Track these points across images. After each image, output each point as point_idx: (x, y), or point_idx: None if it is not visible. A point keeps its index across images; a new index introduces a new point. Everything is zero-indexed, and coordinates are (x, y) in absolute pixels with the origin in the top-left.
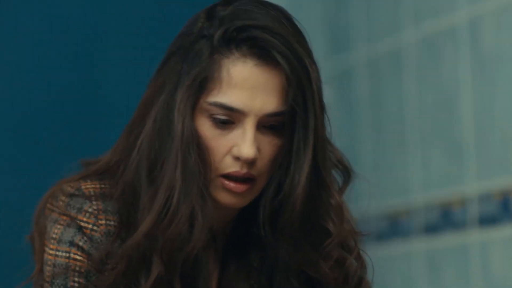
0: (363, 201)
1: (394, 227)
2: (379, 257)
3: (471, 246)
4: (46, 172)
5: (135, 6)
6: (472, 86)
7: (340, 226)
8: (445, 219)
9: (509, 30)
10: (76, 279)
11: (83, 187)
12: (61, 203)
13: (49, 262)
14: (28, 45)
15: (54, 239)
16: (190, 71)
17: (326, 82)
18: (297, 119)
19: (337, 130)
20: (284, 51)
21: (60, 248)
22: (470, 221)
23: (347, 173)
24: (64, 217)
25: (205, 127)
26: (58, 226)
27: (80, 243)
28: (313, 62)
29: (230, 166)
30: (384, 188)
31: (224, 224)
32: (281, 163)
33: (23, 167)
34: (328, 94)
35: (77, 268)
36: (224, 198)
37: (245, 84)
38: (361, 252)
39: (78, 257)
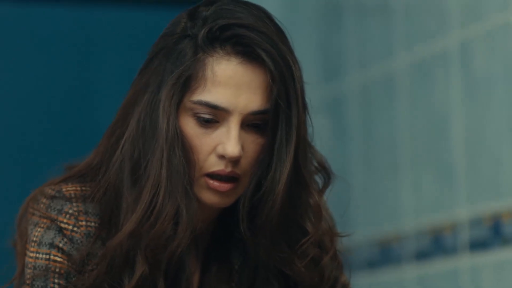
0: (355, 228)
1: (386, 254)
2: (371, 284)
3: (462, 271)
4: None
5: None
6: (464, 110)
7: (318, 226)
8: (436, 244)
9: (500, 54)
10: (56, 280)
11: (63, 189)
12: (42, 205)
13: (29, 265)
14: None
15: (35, 241)
16: (174, 70)
17: (319, 109)
18: (280, 117)
19: (329, 155)
20: (268, 48)
21: (40, 250)
22: (461, 246)
23: (327, 175)
24: (45, 220)
25: (189, 126)
26: (39, 229)
27: (60, 245)
28: (296, 61)
29: (215, 165)
30: (375, 214)
31: (206, 225)
32: (262, 160)
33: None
34: (321, 121)
35: (57, 270)
36: (209, 197)
37: (230, 82)
38: (337, 252)
39: (58, 259)
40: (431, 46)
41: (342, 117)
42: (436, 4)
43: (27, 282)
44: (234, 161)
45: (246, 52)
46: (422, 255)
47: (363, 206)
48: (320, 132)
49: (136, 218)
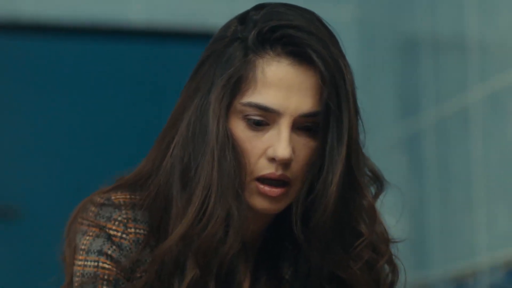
0: (432, 265)
1: None
2: None
3: None
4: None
5: None
6: None
7: (372, 228)
8: (510, 278)
9: None
10: (104, 287)
11: (113, 197)
12: (91, 213)
13: (77, 273)
14: None
15: (83, 250)
16: (224, 73)
17: (396, 146)
18: (331, 119)
19: (406, 191)
20: (319, 49)
21: (89, 258)
22: None
23: (380, 183)
24: (94, 229)
25: (240, 129)
26: (87, 237)
27: (109, 252)
28: (347, 64)
29: (265, 168)
30: (451, 250)
31: (256, 234)
32: (314, 163)
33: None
34: (399, 157)
35: (106, 277)
36: (259, 203)
37: (280, 84)
38: (393, 257)
39: (107, 266)
40: (504, 78)
41: (418, 153)
42: (510, 36)
43: None
44: (285, 165)
45: (297, 53)
46: None
47: (439, 243)
48: (398, 168)
49: (187, 221)
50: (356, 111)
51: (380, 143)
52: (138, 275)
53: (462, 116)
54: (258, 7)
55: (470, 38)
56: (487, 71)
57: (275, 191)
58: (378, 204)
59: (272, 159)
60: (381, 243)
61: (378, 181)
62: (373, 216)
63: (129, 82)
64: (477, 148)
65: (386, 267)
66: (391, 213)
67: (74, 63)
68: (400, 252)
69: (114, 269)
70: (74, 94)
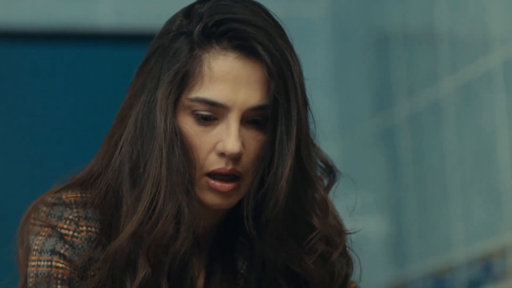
0: (411, 260)
1: (439, 286)
2: None
3: None
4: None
5: None
6: (510, 131)
7: (325, 221)
8: (487, 272)
9: None
10: (59, 286)
11: (64, 196)
12: (42, 213)
13: (31, 274)
14: None
15: (36, 250)
16: (170, 68)
17: (372, 140)
18: (279, 112)
19: (383, 186)
20: (265, 42)
21: (42, 258)
22: (510, 271)
23: (332, 173)
24: (46, 228)
25: (188, 125)
26: (40, 238)
27: (62, 251)
28: (294, 56)
29: (215, 163)
30: (429, 246)
31: (209, 230)
32: (264, 157)
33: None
34: (374, 152)
35: (60, 276)
36: (211, 199)
37: (227, 78)
38: (347, 249)
39: (60, 265)
40: (474, 69)
41: (393, 147)
42: (478, 27)
43: None
44: (235, 159)
45: (243, 46)
46: (474, 284)
47: (417, 238)
48: (374, 163)
49: (137, 219)
50: (305, 103)
51: (356, 139)
52: (92, 273)
53: (434, 108)
54: (203, 0)
55: (440, 30)
56: (458, 62)
57: (226, 186)
58: (331, 196)
59: (221, 154)
60: (334, 236)
61: (331, 172)
62: (325, 208)
63: (99, 86)
64: (451, 140)
65: (340, 258)
66: (369, 210)
67: (42, 69)
68: (379, 250)
69: (68, 268)
70: (45, 100)
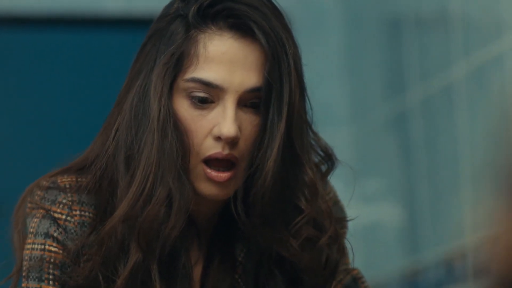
0: (422, 251)
1: (451, 272)
2: None
3: None
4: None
5: None
6: None
7: (313, 204)
8: None
9: None
10: (50, 271)
11: (59, 180)
12: (36, 197)
13: (26, 257)
14: None
15: (32, 233)
16: (166, 50)
17: (385, 125)
18: (273, 94)
19: (395, 172)
20: (260, 22)
21: (36, 241)
22: None
23: (331, 161)
24: (40, 210)
25: (184, 108)
26: (35, 220)
27: (55, 234)
28: (291, 38)
29: (211, 148)
30: (441, 233)
31: (209, 218)
32: (256, 139)
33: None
34: (387, 138)
35: (52, 260)
36: (207, 189)
37: (223, 58)
38: (339, 236)
39: (53, 249)
40: (487, 52)
41: (406, 132)
42: (491, 10)
43: (24, 274)
44: (232, 143)
45: (239, 25)
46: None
47: (429, 225)
48: (387, 149)
49: (127, 202)
50: (300, 86)
51: (368, 124)
52: (84, 258)
53: (447, 93)
54: None
55: (453, 14)
56: (470, 46)
57: (222, 176)
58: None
59: (218, 138)
60: (324, 220)
61: (330, 159)
62: (315, 192)
63: (106, 72)
64: (463, 125)
65: (330, 244)
66: (381, 196)
67: (49, 54)
68: (391, 236)
69: (61, 252)
70: (51, 87)
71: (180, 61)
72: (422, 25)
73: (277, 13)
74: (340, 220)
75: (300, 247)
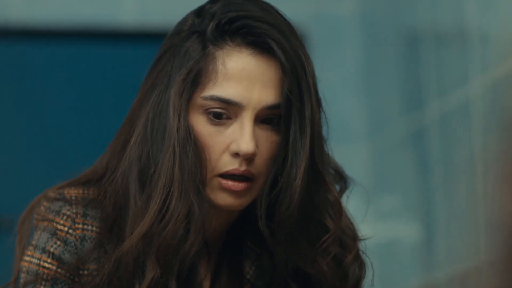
0: (438, 268)
1: None
2: None
3: None
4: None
5: None
6: None
7: (338, 222)
8: None
9: None
10: (42, 287)
11: (65, 192)
12: (42, 207)
13: (24, 269)
14: None
15: (32, 245)
16: (182, 67)
17: (403, 141)
18: (293, 111)
19: (412, 189)
20: (279, 39)
21: (35, 255)
22: None
23: (344, 181)
24: (44, 223)
25: (201, 124)
26: (38, 232)
27: (52, 249)
28: (307, 56)
29: (228, 164)
30: (456, 250)
31: (218, 234)
32: (278, 157)
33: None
34: (404, 154)
35: (45, 276)
36: (222, 198)
37: (242, 75)
38: (361, 253)
39: (47, 265)
40: (505, 68)
41: (423, 149)
42: (509, 26)
43: (20, 286)
44: (249, 160)
45: (257, 43)
46: None
47: (445, 242)
48: (404, 166)
49: (148, 220)
50: (319, 103)
51: (385, 140)
52: (85, 272)
53: (465, 109)
54: (214, 0)
55: (471, 29)
56: (488, 62)
57: (239, 185)
58: (343, 201)
59: (235, 155)
60: (348, 238)
61: (342, 179)
62: (339, 210)
63: (121, 85)
64: (481, 142)
65: (353, 262)
66: (398, 214)
67: (65, 67)
68: (408, 254)
69: (54, 268)
70: (66, 100)
71: (197, 78)
72: (440, 41)
73: (293, 31)
74: (362, 239)
75: (326, 265)
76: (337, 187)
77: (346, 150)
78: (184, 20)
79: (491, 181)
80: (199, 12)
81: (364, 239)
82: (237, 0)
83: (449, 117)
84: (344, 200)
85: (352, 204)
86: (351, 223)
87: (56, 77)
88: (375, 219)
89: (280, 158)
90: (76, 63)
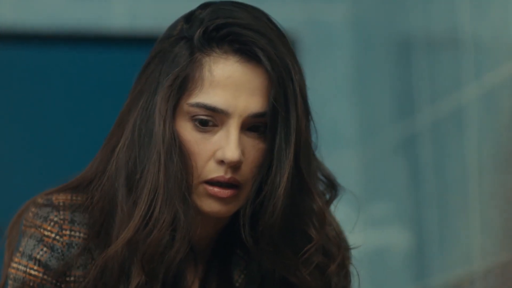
0: (431, 272)
1: None
2: None
3: None
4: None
5: None
6: None
7: (322, 232)
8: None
9: None
10: None
11: (53, 198)
12: (30, 213)
13: (11, 276)
14: None
15: (20, 252)
16: (170, 72)
17: (395, 148)
18: (279, 120)
19: (404, 195)
20: (266, 47)
21: (22, 262)
22: None
23: (334, 188)
24: (31, 229)
25: (187, 131)
26: (25, 239)
27: (38, 256)
28: (296, 63)
29: (214, 171)
30: (449, 258)
31: (206, 241)
32: (263, 165)
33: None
34: (396, 161)
35: (31, 284)
36: (209, 205)
37: (228, 83)
38: (346, 262)
39: (33, 272)
40: (499, 74)
41: (415, 156)
42: (503, 32)
43: None
44: (234, 167)
45: (244, 50)
46: None
47: (437, 250)
48: (395, 173)
49: (133, 226)
50: (306, 112)
51: (376, 147)
52: (72, 278)
53: (457, 116)
54: (204, 5)
55: (464, 35)
56: (481, 69)
57: (225, 192)
58: (332, 209)
59: (221, 162)
60: (332, 247)
61: (333, 186)
62: (323, 219)
63: (111, 90)
64: (473, 149)
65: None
66: (389, 221)
67: (55, 72)
68: (399, 262)
69: (40, 275)
70: (56, 104)
71: (184, 84)
72: (432, 47)
73: (283, 39)
74: (345, 248)
75: (309, 274)
76: (327, 195)
77: (336, 156)
78: (174, 24)
79: (485, 188)
80: (188, 18)
81: (353, 248)
82: (227, 6)
83: (442, 124)
84: (332, 208)
85: (343, 211)
86: (339, 232)
87: (47, 82)
88: (366, 227)
89: (265, 166)
90: (67, 67)
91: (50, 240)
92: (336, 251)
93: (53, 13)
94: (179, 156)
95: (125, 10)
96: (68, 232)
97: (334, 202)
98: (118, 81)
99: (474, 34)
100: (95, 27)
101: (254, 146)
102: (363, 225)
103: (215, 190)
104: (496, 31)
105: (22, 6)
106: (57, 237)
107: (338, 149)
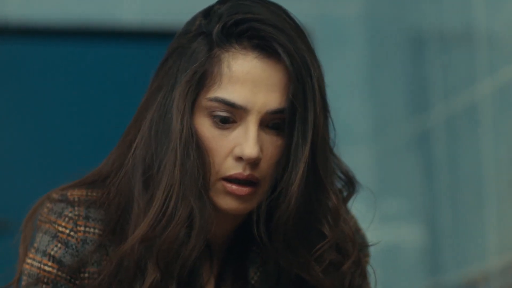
0: (445, 269)
1: None
2: None
3: None
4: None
5: None
6: None
7: (336, 229)
8: None
9: None
10: None
11: (68, 194)
12: (45, 209)
13: (25, 272)
14: None
15: (35, 247)
16: (188, 68)
17: (408, 144)
18: (297, 117)
19: (417, 191)
20: (285, 43)
21: (36, 258)
22: None
23: (352, 185)
24: (46, 225)
25: (205, 127)
26: (40, 234)
27: (52, 252)
28: (315, 60)
29: (232, 168)
30: (463, 254)
31: (222, 238)
32: (281, 161)
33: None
34: (410, 157)
35: (45, 280)
36: (226, 203)
37: (247, 79)
38: (362, 260)
39: (47, 268)
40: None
41: (429, 151)
42: None
43: None
44: (253, 164)
45: (263, 46)
46: None
47: (451, 246)
48: (409, 168)
49: (148, 222)
50: (325, 109)
51: (389, 143)
52: (86, 275)
53: (471, 111)
54: (223, 0)
55: (477, 31)
56: (495, 64)
57: (243, 189)
58: (349, 205)
59: (239, 159)
60: (347, 245)
61: (351, 183)
62: (337, 217)
63: (121, 84)
64: (487, 145)
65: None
66: (403, 217)
67: (65, 66)
68: (413, 258)
69: (54, 271)
70: (66, 99)
71: (202, 80)
72: (446, 42)
73: (302, 34)
74: (362, 245)
75: (323, 272)
76: (345, 193)
77: (350, 152)
78: (193, 20)
79: (501, 184)
80: (207, 13)
81: (371, 245)
82: (246, 2)
83: (455, 120)
84: (350, 205)
85: (357, 208)
86: (356, 229)
87: (56, 76)
88: (379, 223)
89: (283, 163)
90: (77, 62)
91: (64, 236)
92: (350, 248)
93: (63, 7)
94: (197, 152)
95: (135, 4)
96: (82, 228)
97: (351, 199)
98: (128, 75)
99: (488, 29)
100: (106, 22)
101: (273, 143)
102: (376, 221)
103: (233, 187)
104: (510, 27)
105: (33, 1)
106: (72, 233)
107: (351, 145)
